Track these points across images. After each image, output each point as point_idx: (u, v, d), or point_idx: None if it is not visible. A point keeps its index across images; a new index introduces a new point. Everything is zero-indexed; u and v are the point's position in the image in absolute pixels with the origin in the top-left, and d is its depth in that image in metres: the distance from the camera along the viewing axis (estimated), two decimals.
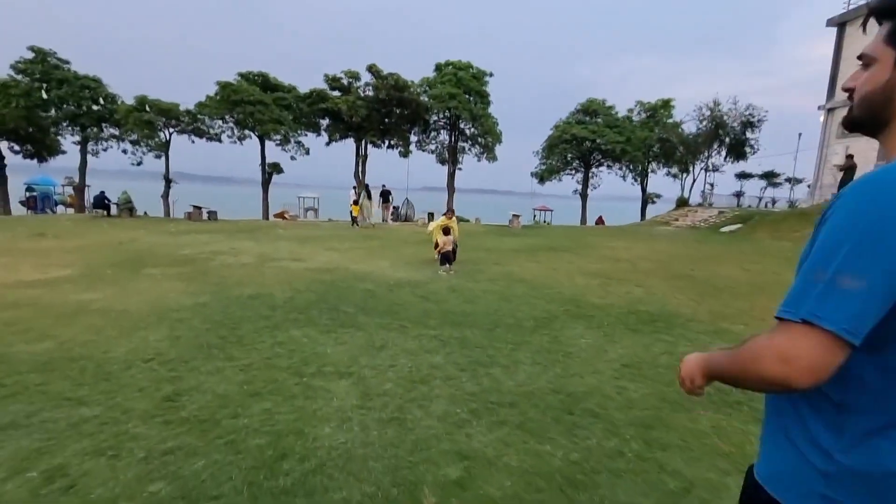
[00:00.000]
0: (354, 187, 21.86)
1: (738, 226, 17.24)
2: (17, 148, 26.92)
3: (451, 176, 27.15)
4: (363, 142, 24.67)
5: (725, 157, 27.55)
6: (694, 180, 28.39)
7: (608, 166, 31.66)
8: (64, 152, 27.97)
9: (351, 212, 18.43)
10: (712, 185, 28.03)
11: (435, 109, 24.63)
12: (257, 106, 21.16)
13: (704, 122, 26.09)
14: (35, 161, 27.94)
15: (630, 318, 5.75)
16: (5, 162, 26.08)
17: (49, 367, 3.76)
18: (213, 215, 19.07)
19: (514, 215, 21.40)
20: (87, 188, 24.63)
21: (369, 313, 5.63)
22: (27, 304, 5.63)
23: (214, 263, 8.74)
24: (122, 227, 15.27)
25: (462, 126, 27.12)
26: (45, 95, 21.98)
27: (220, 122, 23.63)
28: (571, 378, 3.89)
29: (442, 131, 28.35)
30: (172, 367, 3.84)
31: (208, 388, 3.45)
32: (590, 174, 31.17)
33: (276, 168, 24.96)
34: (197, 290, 6.50)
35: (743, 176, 32.62)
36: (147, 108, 21.55)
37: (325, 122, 24.94)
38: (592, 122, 28.85)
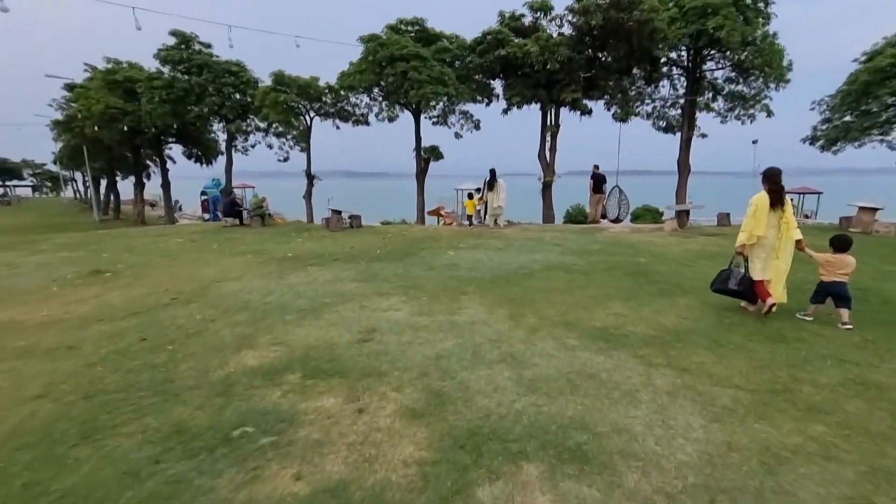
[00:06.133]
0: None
1: None
2: (187, 152, 26.07)
3: (686, 145, 17.58)
4: (553, 105, 16.85)
5: None
6: None
7: None
8: (222, 153, 26.37)
9: (466, 208, 15.76)
10: None
11: (669, 40, 15.43)
12: (412, 62, 14.92)
13: None
14: (201, 164, 27.01)
15: None
16: (167, 167, 25.17)
17: None
18: (355, 221, 13.46)
19: (861, 207, 11.39)
20: (233, 192, 21.87)
21: None
22: None
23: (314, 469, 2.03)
24: (237, 245, 10.33)
25: (704, 68, 17.38)
26: (186, 85, 19.10)
27: (366, 97, 18.29)
28: None
29: (665, 81, 18.93)
30: None
31: None
32: None
33: (434, 153, 18.68)
34: None
35: None
36: (285, 87, 17.09)
37: (498, 84, 17.79)
38: None
